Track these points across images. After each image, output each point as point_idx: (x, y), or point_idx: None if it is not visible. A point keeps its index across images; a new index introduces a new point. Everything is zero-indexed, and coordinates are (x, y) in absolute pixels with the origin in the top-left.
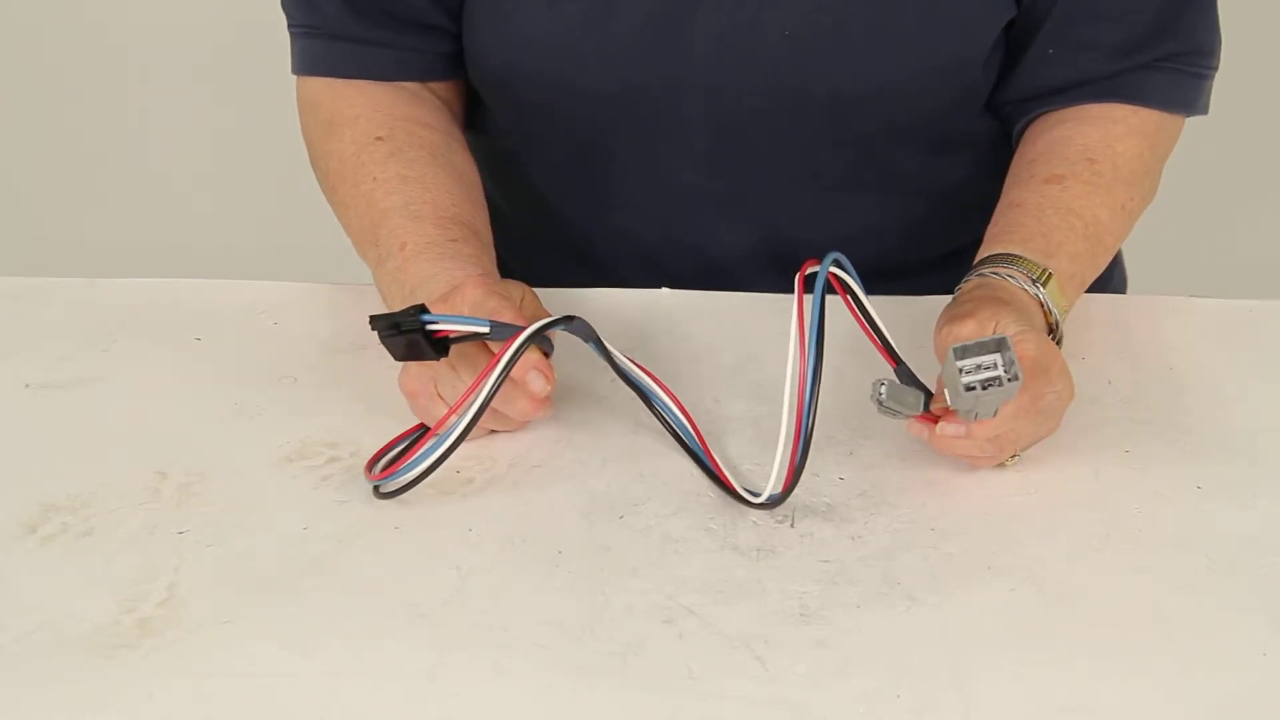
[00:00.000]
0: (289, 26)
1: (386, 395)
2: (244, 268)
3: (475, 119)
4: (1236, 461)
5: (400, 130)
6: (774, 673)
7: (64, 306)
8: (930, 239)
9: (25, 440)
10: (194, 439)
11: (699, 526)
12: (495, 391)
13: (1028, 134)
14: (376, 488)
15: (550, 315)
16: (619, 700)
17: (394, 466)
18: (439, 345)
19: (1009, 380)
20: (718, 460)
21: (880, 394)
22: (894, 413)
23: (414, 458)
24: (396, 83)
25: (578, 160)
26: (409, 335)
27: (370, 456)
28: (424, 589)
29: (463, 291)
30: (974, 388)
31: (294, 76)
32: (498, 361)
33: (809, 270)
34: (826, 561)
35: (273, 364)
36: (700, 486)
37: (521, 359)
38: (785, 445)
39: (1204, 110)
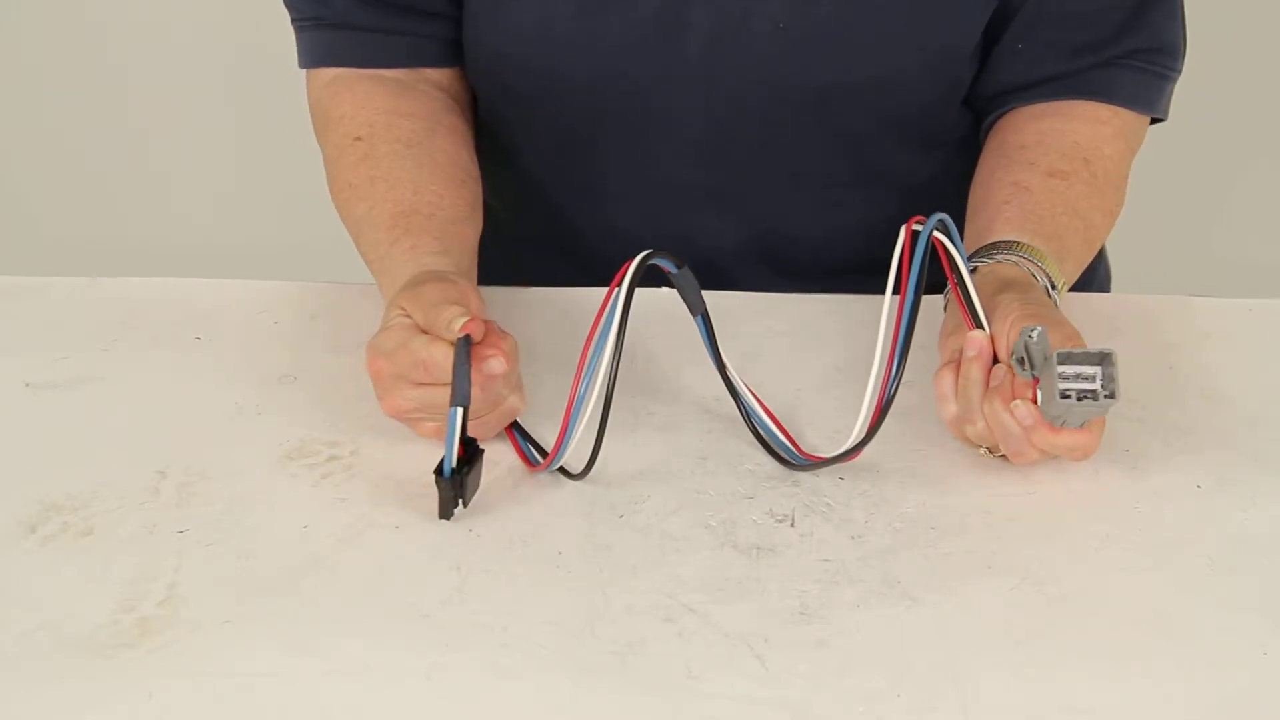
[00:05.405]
0: (293, 21)
1: None
2: (244, 266)
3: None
4: (1236, 461)
5: (380, 125)
6: (774, 672)
7: (64, 306)
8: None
9: (25, 440)
10: (194, 439)
11: (699, 525)
12: (620, 343)
13: (1006, 123)
14: (563, 472)
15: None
16: (619, 700)
17: (550, 455)
18: (470, 453)
19: (1105, 396)
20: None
21: (1033, 336)
22: (1025, 359)
23: (565, 434)
24: (390, 76)
25: (568, 152)
26: (463, 483)
27: (521, 456)
28: (424, 589)
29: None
30: (1069, 395)
31: (297, 75)
32: (603, 313)
33: (914, 226)
34: (826, 561)
35: (273, 364)
36: (701, 485)
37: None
38: (876, 381)
39: (1164, 114)
